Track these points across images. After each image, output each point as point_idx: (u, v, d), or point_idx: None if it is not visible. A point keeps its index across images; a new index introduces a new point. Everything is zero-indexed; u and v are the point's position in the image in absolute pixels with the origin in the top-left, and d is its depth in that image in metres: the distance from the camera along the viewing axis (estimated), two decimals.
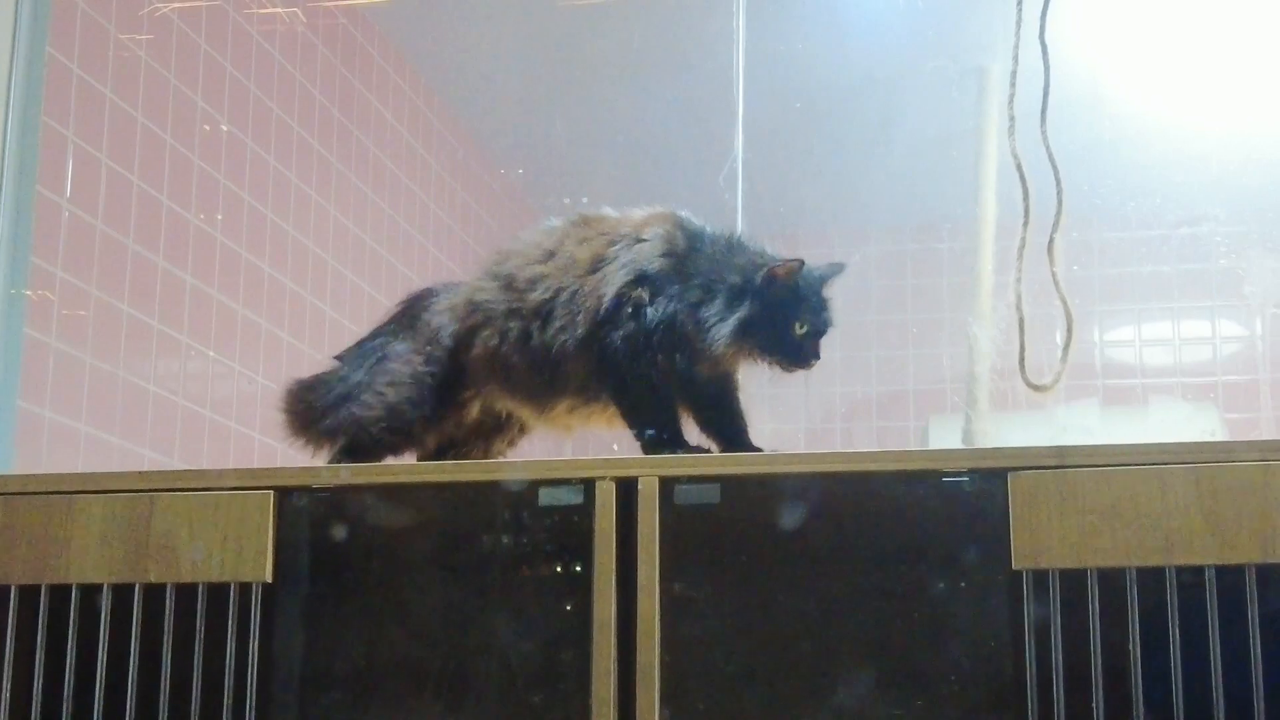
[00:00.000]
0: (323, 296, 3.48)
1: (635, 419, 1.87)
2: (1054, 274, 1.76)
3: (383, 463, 1.96)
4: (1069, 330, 1.79)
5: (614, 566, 1.70)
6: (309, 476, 1.79)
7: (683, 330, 1.83)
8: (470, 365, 1.98)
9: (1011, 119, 1.76)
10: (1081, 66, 2.78)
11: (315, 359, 3.32)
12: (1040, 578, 1.63)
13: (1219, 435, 4.32)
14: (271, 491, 1.76)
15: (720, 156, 2.38)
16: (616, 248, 1.87)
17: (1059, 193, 1.75)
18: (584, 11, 2.91)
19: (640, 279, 1.85)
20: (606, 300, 1.84)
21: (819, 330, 1.87)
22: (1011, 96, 1.77)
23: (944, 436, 4.47)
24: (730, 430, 1.88)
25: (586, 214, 1.96)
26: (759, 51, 2.55)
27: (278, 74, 3.29)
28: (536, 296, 1.91)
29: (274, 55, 3.28)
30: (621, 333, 1.83)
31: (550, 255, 1.94)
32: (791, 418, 4.43)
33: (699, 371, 1.86)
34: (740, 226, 1.99)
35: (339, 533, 1.79)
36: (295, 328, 3.35)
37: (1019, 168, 1.75)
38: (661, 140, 3.24)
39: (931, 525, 1.68)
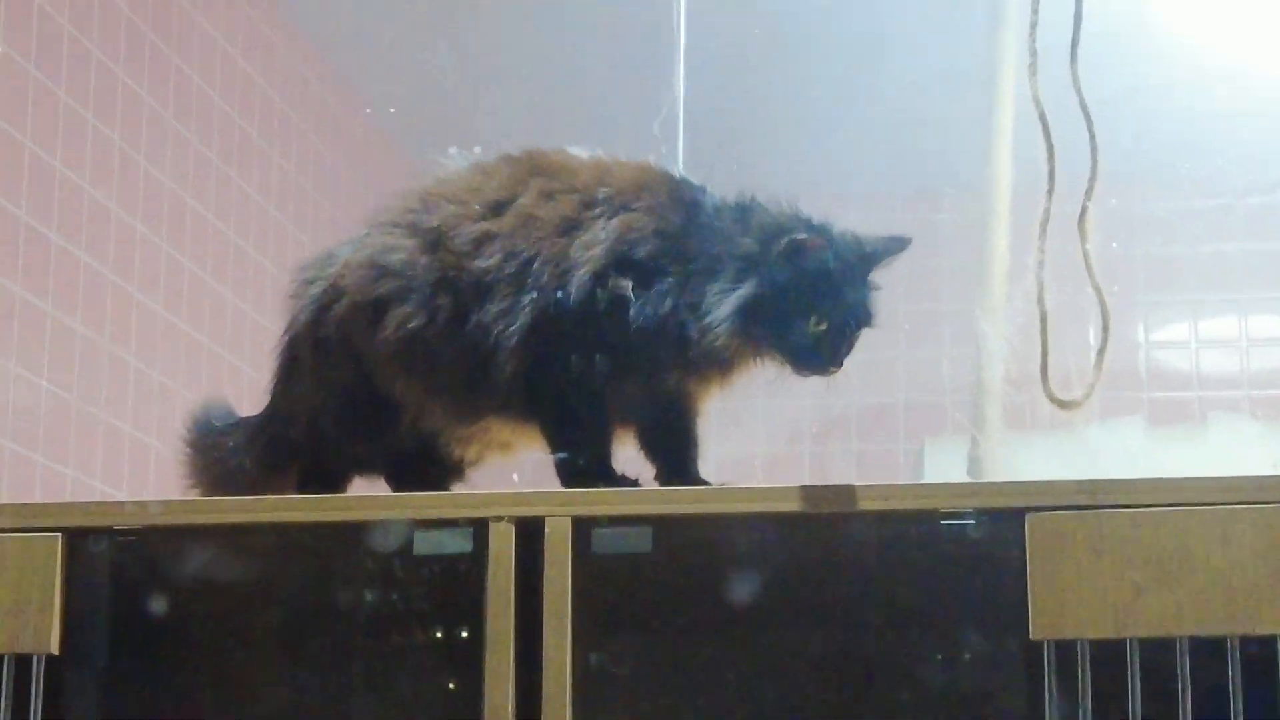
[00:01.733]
0: (107, 262, 3.47)
1: (558, 436, 1.86)
2: (1086, 254, 1.78)
3: (211, 499, 1.96)
4: (1105, 328, 1.81)
5: (512, 633, 1.71)
6: (110, 515, 1.78)
7: (671, 335, 1.82)
8: (375, 353, 1.93)
9: (1033, 55, 1.78)
10: None
11: (111, 350, 3.30)
12: (1065, 650, 1.65)
13: None
14: (60, 534, 1.75)
15: (656, 98, 2.39)
16: (594, 212, 1.85)
17: (1093, 150, 1.76)
18: None
19: (624, 263, 1.82)
20: (577, 283, 1.82)
21: (845, 325, 1.83)
22: (1034, 25, 1.78)
23: (943, 464, 4.52)
24: (677, 456, 1.89)
25: (539, 154, 1.93)
26: None
27: None
28: (481, 264, 1.87)
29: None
30: (588, 330, 1.81)
31: (497, 208, 1.90)
32: (746, 439, 4.45)
33: (673, 384, 1.86)
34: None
35: (147, 589, 1.78)
36: (88, 312, 3.34)
37: (1042, 117, 1.76)
38: (580, 75, 3.25)
39: (926, 582, 1.70)
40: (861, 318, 1.84)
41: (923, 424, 4.71)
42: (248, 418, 2.08)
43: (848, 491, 1.72)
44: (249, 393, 2.23)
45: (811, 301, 1.80)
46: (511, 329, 1.83)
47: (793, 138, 2.82)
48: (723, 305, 1.78)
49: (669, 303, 1.80)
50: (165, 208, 3.60)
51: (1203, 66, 3.41)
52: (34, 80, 3.16)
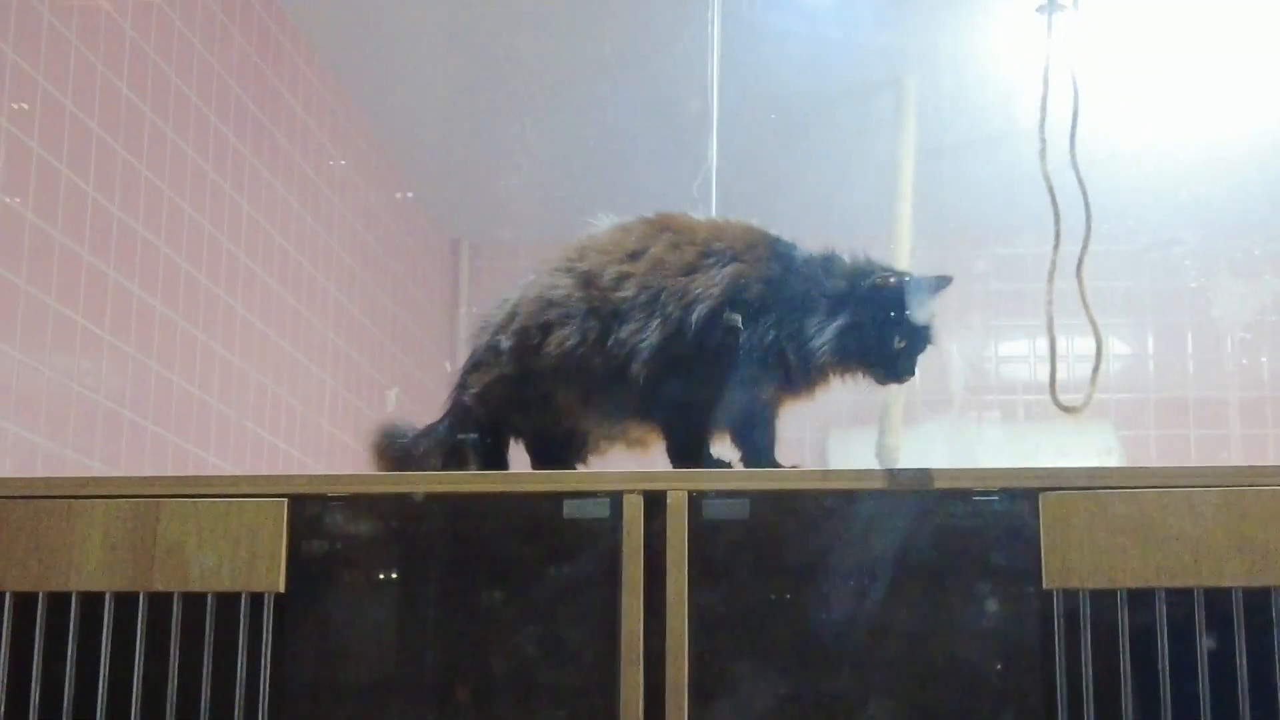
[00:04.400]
0: (236, 294, 3.43)
1: (673, 428, 1.88)
2: (1083, 299, 1.82)
3: (398, 473, 1.95)
4: (1098, 351, 1.86)
5: (641, 580, 1.72)
6: (324, 484, 1.77)
7: (771, 359, 1.85)
8: (539, 367, 1.95)
9: (1043, 142, 1.81)
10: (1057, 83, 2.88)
11: (227, 359, 3.27)
12: (1070, 597, 1.69)
13: (1115, 453, 4.47)
14: (285, 499, 1.74)
15: (694, 163, 2.41)
16: (710, 260, 1.88)
17: (1088, 219, 1.80)
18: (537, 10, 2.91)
19: (736, 302, 1.86)
20: (697, 314, 1.84)
21: (918, 346, 1.89)
22: (1042, 120, 1.82)
23: (847, 450, 4.56)
24: (762, 445, 1.91)
25: (664, 215, 1.96)
26: (731, 59, 2.58)
27: (197, 61, 3.23)
28: (621, 295, 1.90)
29: (194, 43, 3.22)
30: (706, 350, 1.83)
31: (634, 255, 1.92)
32: None
33: (768, 395, 1.88)
34: None
35: (355, 542, 1.78)
36: (209, 326, 3.29)
37: (1050, 191, 1.80)
38: (622, 144, 3.26)
39: (962, 543, 1.73)
40: (928, 337, 1.89)
41: (829, 416, 4.74)
42: (430, 425, 2.08)
43: (896, 474, 1.75)
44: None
45: (893, 327, 1.84)
46: (643, 344, 1.85)
47: (802, 201, 2.86)
48: (824, 333, 1.82)
49: (771, 334, 1.84)
50: (262, 245, 3.56)
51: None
52: (173, 147, 3.11)
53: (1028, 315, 4.86)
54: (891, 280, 1.85)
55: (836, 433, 4.66)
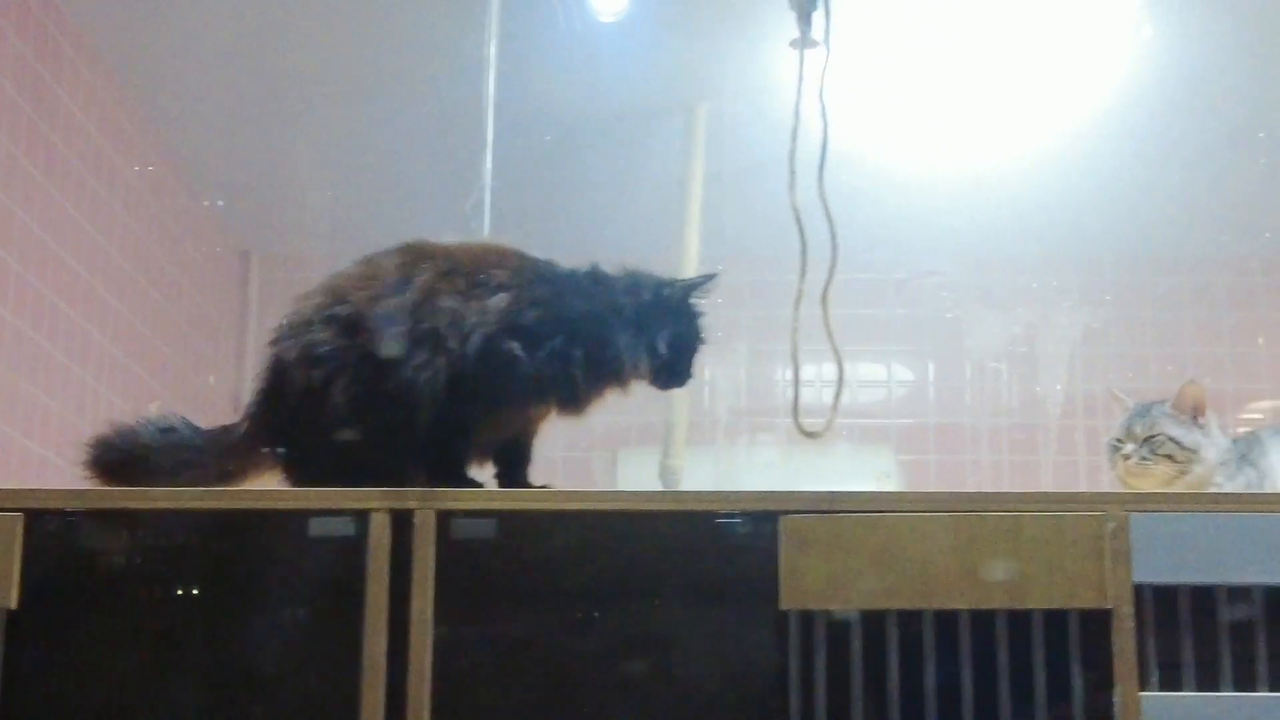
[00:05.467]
0: (5, 300, 3.33)
1: (436, 455, 1.85)
2: (827, 325, 1.87)
3: (141, 489, 1.90)
4: (840, 377, 1.90)
5: (386, 599, 1.72)
6: (63, 499, 1.73)
7: (552, 380, 1.84)
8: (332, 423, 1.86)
9: (792, 173, 1.86)
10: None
11: None
12: (806, 618, 1.73)
13: (892, 477, 4.58)
14: (21, 514, 1.70)
15: (466, 183, 2.41)
16: (479, 289, 1.84)
17: (834, 247, 1.85)
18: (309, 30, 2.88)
19: (514, 329, 1.82)
20: (475, 342, 1.81)
21: (694, 347, 1.91)
22: (793, 151, 1.86)
23: (635, 470, 4.59)
24: (517, 466, 1.91)
25: (417, 243, 1.91)
26: (508, 80, 2.59)
27: None
28: (393, 332, 1.83)
29: None
30: (482, 378, 1.81)
31: (398, 288, 1.86)
32: None
33: (532, 414, 1.88)
34: None
35: (85, 558, 1.74)
36: None
37: (797, 220, 1.84)
38: (400, 163, 3.24)
39: (704, 565, 1.76)
40: (701, 338, 1.92)
41: (616, 438, 4.77)
42: (219, 430, 2.00)
43: (647, 497, 1.77)
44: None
45: (669, 332, 1.88)
46: (428, 380, 1.81)
47: (573, 222, 2.87)
48: (606, 347, 1.83)
49: (551, 355, 1.83)
50: (35, 249, 3.47)
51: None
52: None
53: (812, 341, 4.97)
54: (665, 289, 1.88)
55: (625, 453, 4.69)
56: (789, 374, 4.98)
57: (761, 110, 3.28)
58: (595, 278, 1.89)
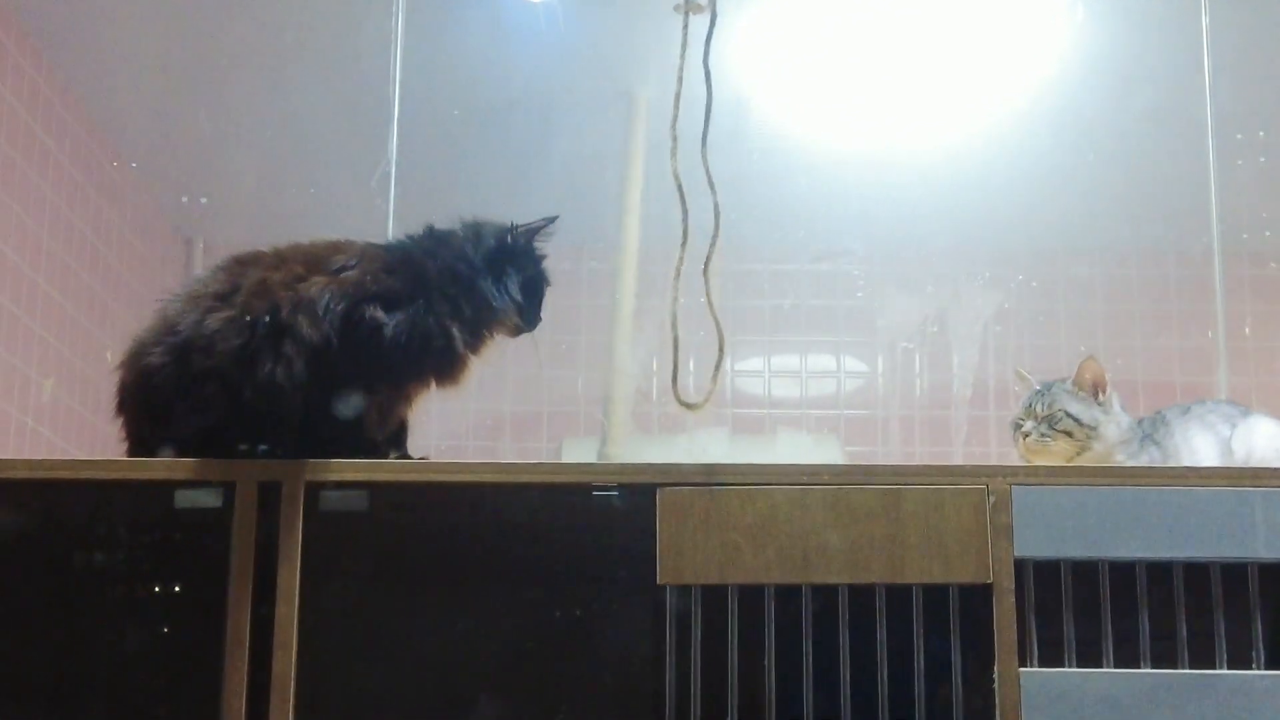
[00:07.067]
0: None
1: (327, 435, 1.79)
2: (709, 297, 1.84)
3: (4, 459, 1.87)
4: (720, 350, 1.87)
5: (251, 571, 1.68)
6: None
7: (418, 348, 1.78)
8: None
9: (674, 139, 1.82)
10: (735, 94, 2.90)
11: None
12: (683, 592, 1.69)
13: None
14: None
15: (373, 158, 2.37)
16: (322, 273, 1.78)
17: (716, 217, 1.82)
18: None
19: (369, 298, 1.76)
20: (335, 317, 1.75)
21: (541, 290, 1.89)
22: (675, 117, 1.83)
23: (578, 458, 4.56)
24: (395, 437, 1.87)
25: (241, 254, 1.84)
26: (417, 56, 2.55)
27: None
28: (232, 341, 1.76)
29: None
30: (345, 352, 1.75)
31: (226, 297, 1.79)
32: (425, 436, 4.42)
33: (408, 385, 1.83)
34: (391, 235, 1.95)
35: None
36: None
37: (679, 189, 1.81)
38: (310, 138, 3.19)
39: (581, 539, 1.73)
40: (546, 279, 1.90)
41: (562, 427, 4.74)
42: None
43: (524, 468, 1.74)
44: None
45: (522, 277, 1.86)
46: (286, 372, 1.74)
47: (485, 196, 2.82)
48: (475, 294, 1.80)
49: (412, 323, 1.78)
50: None
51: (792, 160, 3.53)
52: None
53: (763, 331, 4.94)
54: (509, 234, 1.85)
55: (570, 442, 4.66)
56: (732, 364, 4.97)
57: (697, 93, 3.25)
58: (435, 237, 1.85)
